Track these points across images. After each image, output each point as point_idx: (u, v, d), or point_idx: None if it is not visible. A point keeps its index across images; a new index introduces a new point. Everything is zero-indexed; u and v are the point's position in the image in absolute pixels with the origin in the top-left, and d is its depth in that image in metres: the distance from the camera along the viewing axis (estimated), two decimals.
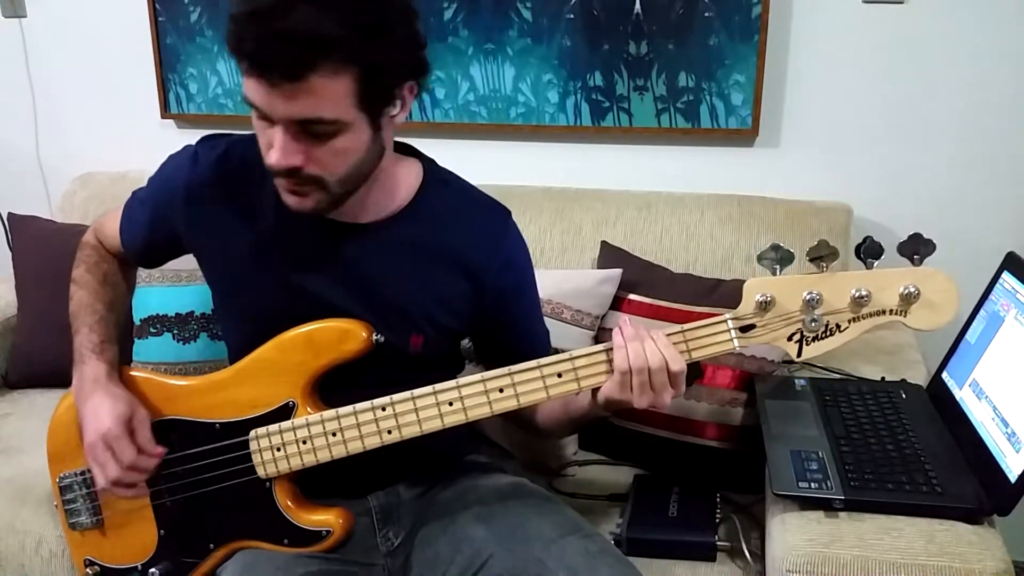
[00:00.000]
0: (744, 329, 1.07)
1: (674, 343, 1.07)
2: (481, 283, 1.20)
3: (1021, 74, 1.72)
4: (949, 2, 1.71)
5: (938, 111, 1.77)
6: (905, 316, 1.06)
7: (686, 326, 1.08)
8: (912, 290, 1.04)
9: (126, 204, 1.32)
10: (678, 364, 1.06)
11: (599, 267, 1.72)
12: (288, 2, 0.95)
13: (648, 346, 1.05)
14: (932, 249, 1.04)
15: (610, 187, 1.88)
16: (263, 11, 0.95)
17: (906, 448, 1.21)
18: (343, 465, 1.14)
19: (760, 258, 1.08)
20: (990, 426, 1.19)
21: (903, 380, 1.45)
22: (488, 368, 1.29)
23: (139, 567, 1.24)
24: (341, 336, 1.14)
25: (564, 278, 1.65)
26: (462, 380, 1.10)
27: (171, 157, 1.26)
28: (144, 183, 1.31)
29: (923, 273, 1.04)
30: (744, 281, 1.09)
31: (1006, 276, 1.31)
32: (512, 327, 1.26)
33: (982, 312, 1.35)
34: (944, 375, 1.38)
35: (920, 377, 1.48)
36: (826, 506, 1.12)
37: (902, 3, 1.73)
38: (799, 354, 1.08)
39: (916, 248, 1.04)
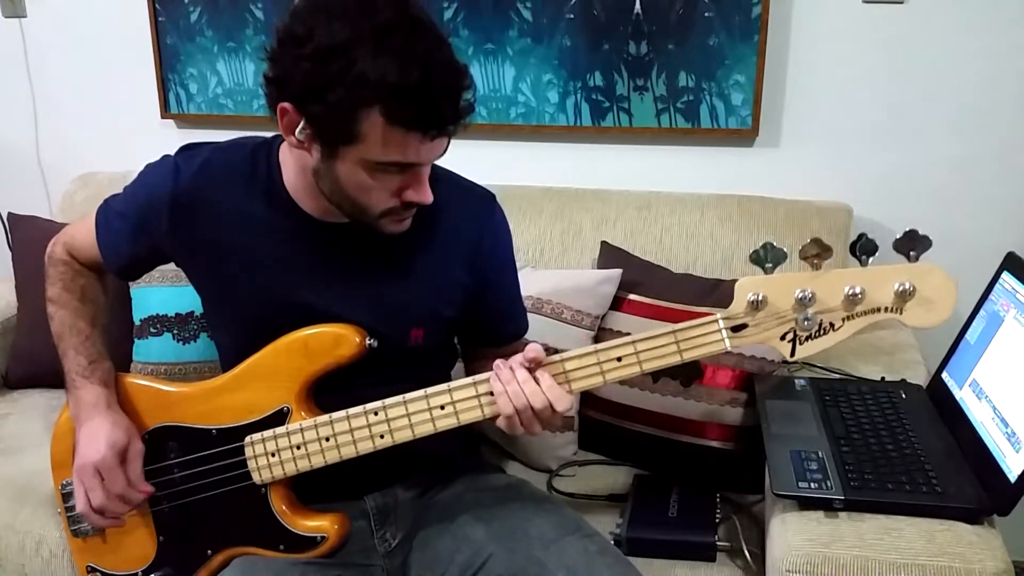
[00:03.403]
0: (736, 329, 1.05)
1: (664, 343, 1.05)
2: (473, 267, 1.22)
3: (1021, 74, 1.72)
4: (949, 2, 1.71)
5: (938, 111, 1.77)
6: (901, 314, 1.03)
7: (677, 326, 1.06)
8: (908, 287, 1.01)
9: (100, 216, 1.28)
10: (563, 404, 1.05)
11: (599, 267, 1.72)
12: (443, 55, 1.00)
13: (528, 388, 1.04)
14: (928, 245, 1.01)
15: (610, 187, 1.88)
16: (437, 72, 0.98)
17: (906, 448, 1.21)
18: (340, 467, 1.14)
19: (752, 256, 1.05)
20: (990, 426, 1.19)
21: (903, 380, 1.45)
22: (468, 354, 1.31)
23: (139, 574, 1.24)
24: (335, 341, 1.14)
25: (564, 278, 1.65)
26: (453, 384, 1.09)
27: (150, 168, 1.24)
28: None
29: (919, 269, 1.02)
30: None
31: (1006, 276, 1.31)
32: (493, 310, 1.28)
33: (982, 312, 1.35)
34: (944, 375, 1.38)
35: (920, 377, 1.48)
36: (826, 506, 1.12)
37: (902, 3, 1.73)
38: (792, 354, 1.05)
39: (912, 244, 1.02)
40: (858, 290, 1.01)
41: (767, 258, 1.04)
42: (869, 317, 1.04)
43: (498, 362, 1.07)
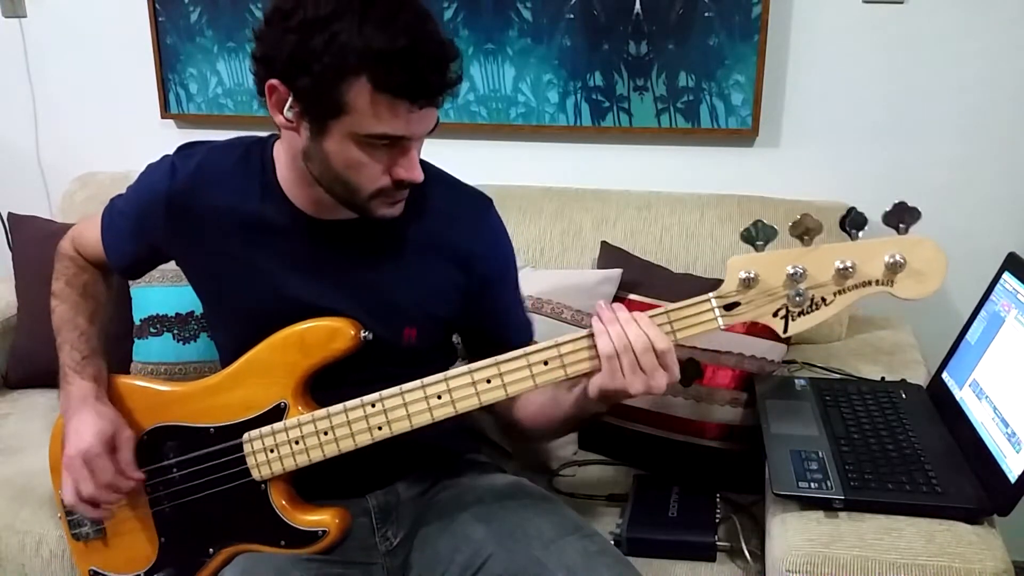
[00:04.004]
0: (728, 307, 1.05)
1: (658, 324, 1.05)
2: (469, 270, 1.21)
3: (1021, 74, 1.72)
4: (949, 2, 1.71)
5: (938, 111, 1.77)
6: (891, 286, 1.03)
7: (670, 306, 1.06)
8: (898, 259, 1.01)
9: (105, 214, 1.30)
10: (662, 343, 1.03)
11: (599, 267, 1.72)
12: (428, 26, 1.00)
13: (630, 329, 1.03)
14: (917, 217, 1.01)
15: (610, 187, 1.88)
16: (423, 40, 0.98)
17: (906, 448, 1.21)
18: (341, 465, 1.14)
19: (743, 234, 1.05)
20: (990, 426, 1.19)
21: (903, 380, 1.45)
22: (475, 361, 1.30)
23: (141, 575, 1.24)
24: (330, 335, 1.14)
25: (564, 278, 1.65)
26: (450, 373, 1.09)
27: (149, 168, 1.25)
28: None
29: (909, 242, 1.02)
30: None
31: (1006, 276, 1.31)
32: (497, 314, 1.27)
33: (982, 312, 1.35)
34: (944, 375, 1.38)
35: (920, 377, 1.48)
36: (826, 506, 1.12)
37: (902, 3, 1.73)
38: (785, 330, 1.05)
39: (901, 217, 1.01)
40: (849, 264, 1.02)
41: (758, 236, 1.04)
42: (860, 291, 1.04)
43: (600, 302, 1.07)
